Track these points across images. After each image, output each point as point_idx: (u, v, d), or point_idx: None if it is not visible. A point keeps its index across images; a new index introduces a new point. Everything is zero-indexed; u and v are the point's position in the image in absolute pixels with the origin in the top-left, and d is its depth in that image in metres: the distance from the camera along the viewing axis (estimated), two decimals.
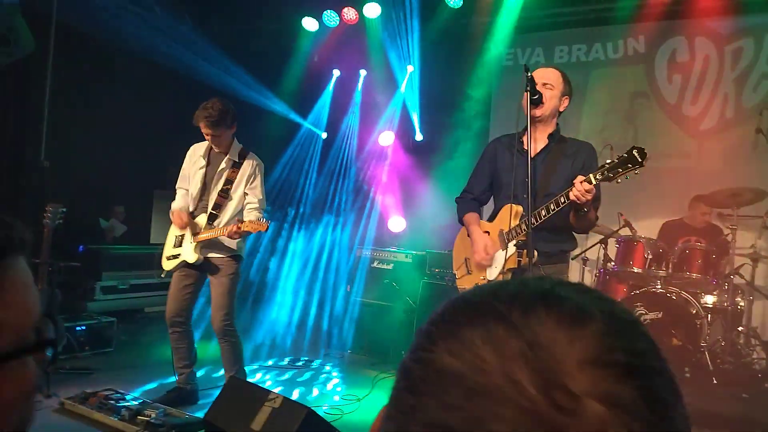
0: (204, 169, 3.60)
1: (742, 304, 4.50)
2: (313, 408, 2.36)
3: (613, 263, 4.76)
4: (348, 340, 5.46)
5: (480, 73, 6.26)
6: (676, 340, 4.07)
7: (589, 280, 5.56)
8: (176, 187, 3.77)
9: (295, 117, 7.05)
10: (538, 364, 0.38)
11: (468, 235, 2.83)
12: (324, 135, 7.08)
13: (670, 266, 4.42)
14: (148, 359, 4.60)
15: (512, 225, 2.61)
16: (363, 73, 6.89)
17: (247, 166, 3.60)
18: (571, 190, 2.35)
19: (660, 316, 4.15)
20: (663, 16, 5.55)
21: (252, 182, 3.60)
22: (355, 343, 5.42)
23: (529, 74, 2.49)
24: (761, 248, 4.61)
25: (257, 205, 3.58)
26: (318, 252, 6.74)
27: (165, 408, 3.21)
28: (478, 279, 2.76)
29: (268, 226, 3.27)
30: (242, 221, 3.28)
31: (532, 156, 2.50)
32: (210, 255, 3.55)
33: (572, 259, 5.06)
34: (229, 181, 3.56)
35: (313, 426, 1.95)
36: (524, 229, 2.53)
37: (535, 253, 2.49)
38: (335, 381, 4.52)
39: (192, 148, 3.74)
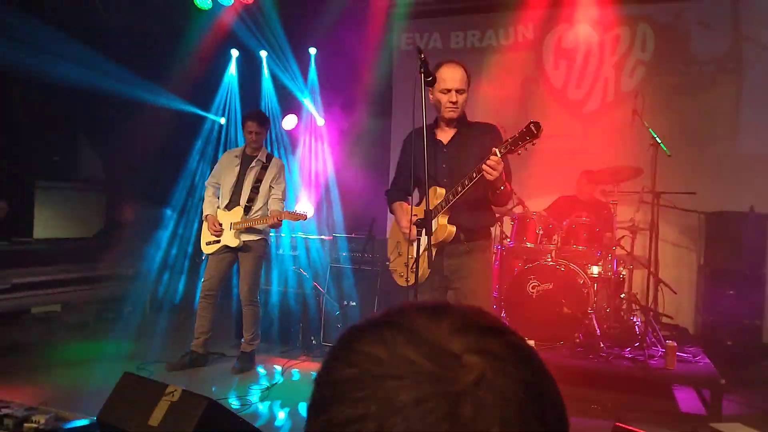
0: (238, 168, 4.43)
1: (623, 273, 4.89)
2: (219, 399, 2.31)
3: (509, 240, 5.00)
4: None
5: (380, 56, 6.29)
6: (567, 309, 4.37)
7: None
8: (206, 183, 4.60)
9: (192, 108, 6.59)
10: (420, 342, 0.49)
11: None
12: (222, 120, 6.79)
13: (559, 240, 4.72)
14: (33, 363, 4.28)
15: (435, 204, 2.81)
16: (264, 54, 6.68)
17: (273, 166, 4.46)
18: (480, 165, 2.55)
19: (551, 287, 4.43)
20: (549, 4, 5.85)
21: (278, 179, 4.46)
22: (264, 332, 5.33)
23: (423, 56, 2.57)
24: (639, 221, 4.97)
25: (280, 196, 4.43)
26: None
27: (56, 412, 3.01)
28: (406, 258, 2.93)
29: (306, 216, 4.13)
30: (280, 212, 4.22)
31: (445, 144, 2.72)
32: (245, 238, 4.37)
33: None
34: (258, 180, 4.41)
35: (215, 417, 1.91)
36: (443, 206, 2.75)
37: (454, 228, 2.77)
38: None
39: (227, 153, 4.65)
